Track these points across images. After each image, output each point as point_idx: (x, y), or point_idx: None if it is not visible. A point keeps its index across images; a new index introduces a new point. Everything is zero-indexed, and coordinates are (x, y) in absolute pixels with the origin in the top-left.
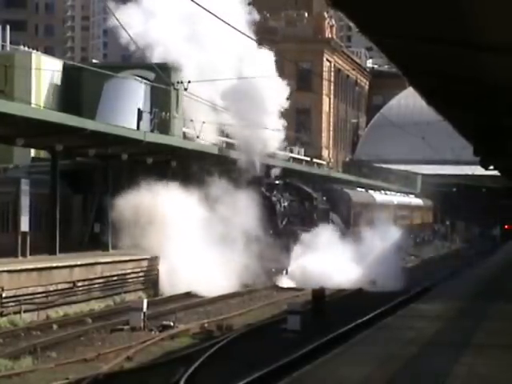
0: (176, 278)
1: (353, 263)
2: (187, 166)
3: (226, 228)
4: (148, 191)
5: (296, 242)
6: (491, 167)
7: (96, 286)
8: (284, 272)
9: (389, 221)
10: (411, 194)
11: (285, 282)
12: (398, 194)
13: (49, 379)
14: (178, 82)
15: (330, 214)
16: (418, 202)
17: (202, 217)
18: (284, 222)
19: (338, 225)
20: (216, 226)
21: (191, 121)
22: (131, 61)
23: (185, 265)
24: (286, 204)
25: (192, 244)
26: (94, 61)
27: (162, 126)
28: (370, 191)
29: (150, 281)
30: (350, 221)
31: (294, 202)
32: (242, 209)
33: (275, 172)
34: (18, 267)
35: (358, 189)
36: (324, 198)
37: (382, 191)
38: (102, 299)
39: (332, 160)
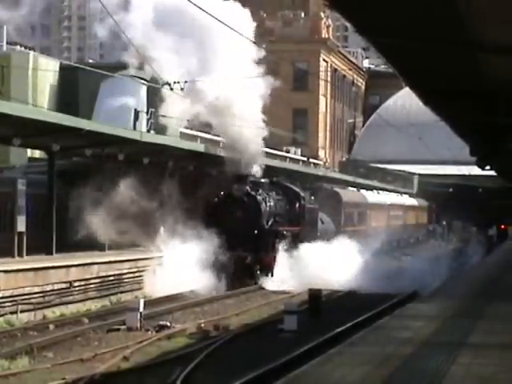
0: (172, 277)
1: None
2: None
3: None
4: (142, 190)
5: (282, 242)
6: (487, 167)
7: (92, 286)
8: (270, 274)
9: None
10: (406, 193)
11: (270, 284)
12: (392, 193)
13: (45, 379)
14: (174, 82)
15: (319, 213)
16: (413, 202)
17: (189, 216)
18: (270, 222)
19: (328, 225)
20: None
21: (188, 120)
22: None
23: (179, 264)
24: (271, 203)
25: (183, 243)
26: (91, 61)
27: (158, 125)
28: (362, 190)
29: (146, 281)
30: (340, 221)
31: (281, 202)
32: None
33: (261, 170)
34: (15, 267)
35: (350, 188)
36: (312, 198)
37: (375, 191)
38: (98, 299)
39: (328, 160)
